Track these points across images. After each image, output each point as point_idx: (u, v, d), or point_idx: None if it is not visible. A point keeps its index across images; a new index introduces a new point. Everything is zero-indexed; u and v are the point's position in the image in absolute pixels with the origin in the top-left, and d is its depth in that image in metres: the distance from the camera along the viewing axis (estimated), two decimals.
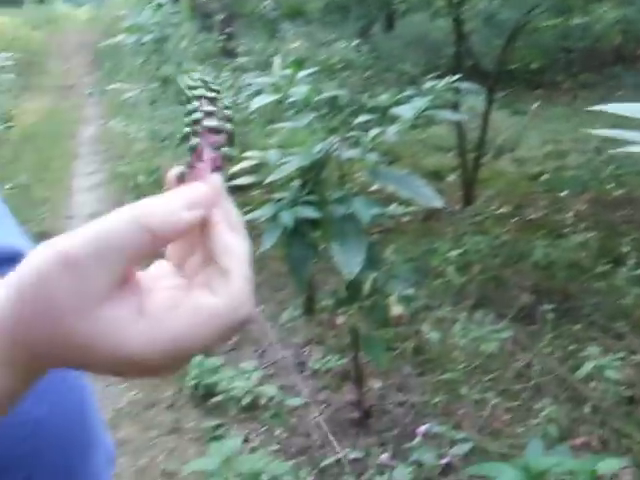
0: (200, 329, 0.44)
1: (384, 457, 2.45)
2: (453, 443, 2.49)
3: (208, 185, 0.47)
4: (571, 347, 3.38)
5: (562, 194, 5.55)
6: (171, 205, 0.44)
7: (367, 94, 4.90)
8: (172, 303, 0.44)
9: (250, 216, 2.49)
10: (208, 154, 0.49)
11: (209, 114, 0.50)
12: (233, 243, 0.47)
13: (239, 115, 5.24)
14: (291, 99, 2.64)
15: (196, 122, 0.49)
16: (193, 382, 3.43)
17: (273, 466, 2.51)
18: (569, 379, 3.19)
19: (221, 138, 0.49)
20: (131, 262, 0.43)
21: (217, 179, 0.48)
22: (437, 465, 2.14)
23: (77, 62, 15.27)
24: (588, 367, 2.85)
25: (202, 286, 0.46)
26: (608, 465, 2.25)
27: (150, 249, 0.44)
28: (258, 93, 2.86)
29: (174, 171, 0.49)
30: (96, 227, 0.43)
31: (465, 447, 2.37)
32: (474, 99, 6.46)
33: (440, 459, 2.18)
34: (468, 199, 5.35)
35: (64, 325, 0.42)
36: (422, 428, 2.27)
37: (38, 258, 0.42)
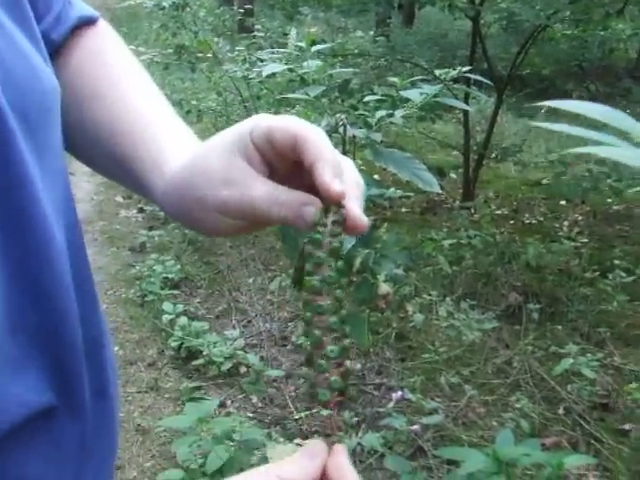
0: None
1: (354, 420, 2.47)
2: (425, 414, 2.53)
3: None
4: (552, 349, 3.41)
5: (561, 202, 5.58)
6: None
7: (378, 82, 4.92)
8: None
9: None
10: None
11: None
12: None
13: (250, 91, 5.27)
14: (303, 71, 2.65)
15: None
16: (176, 343, 3.46)
17: (247, 429, 2.53)
18: (547, 379, 3.23)
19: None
20: None
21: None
22: (406, 431, 2.17)
23: None
24: (566, 364, 2.88)
25: None
26: (575, 460, 2.29)
27: None
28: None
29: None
30: None
31: (436, 418, 2.40)
32: (484, 101, 6.50)
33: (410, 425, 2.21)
34: (467, 197, 5.38)
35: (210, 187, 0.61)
36: (397, 394, 2.29)
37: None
